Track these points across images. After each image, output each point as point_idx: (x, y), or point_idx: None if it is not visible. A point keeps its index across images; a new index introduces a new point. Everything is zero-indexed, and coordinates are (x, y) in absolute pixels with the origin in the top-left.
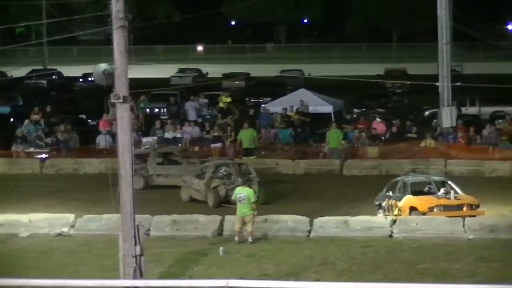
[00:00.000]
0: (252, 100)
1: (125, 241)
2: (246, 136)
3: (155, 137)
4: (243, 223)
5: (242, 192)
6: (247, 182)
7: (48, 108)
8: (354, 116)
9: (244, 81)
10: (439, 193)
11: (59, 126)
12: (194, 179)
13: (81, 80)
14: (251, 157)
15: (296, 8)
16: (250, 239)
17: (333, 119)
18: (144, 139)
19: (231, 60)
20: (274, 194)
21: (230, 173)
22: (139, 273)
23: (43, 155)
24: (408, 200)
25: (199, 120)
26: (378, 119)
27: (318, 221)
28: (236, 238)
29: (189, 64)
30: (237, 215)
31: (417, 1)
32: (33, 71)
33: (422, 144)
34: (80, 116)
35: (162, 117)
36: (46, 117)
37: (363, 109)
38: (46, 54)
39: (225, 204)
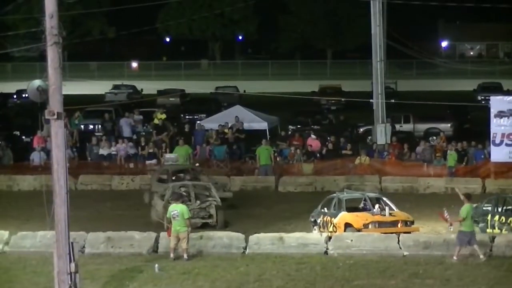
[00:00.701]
0: (187, 117)
1: (60, 258)
2: (181, 152)
3: (177, 154)
4: (178, 240)
5: (175, 209)
6: (180, 199)
7: None
8: (289, 132)
9: (179, 98)
10: (374, 210)
11: None
12: (158, 200)
13: (15, 96)
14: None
15: (231, 25)
16: (185, 256)
17: (268, 136)
18: (167, 155)
19: (166, 76)
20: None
21: (189, 196)
22: None
23: None
24: (343, 216)
25: (134, 136)
26: (313, 136)
27: (254, 237)
28: (172, 255)
29: (124, 80)
30: (171, 232)
31: (350, 18)
32: None
33: (357, 161)
34: (14, 132)
35: (96, 134)
36: None
37: (298, 126)
38: None
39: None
